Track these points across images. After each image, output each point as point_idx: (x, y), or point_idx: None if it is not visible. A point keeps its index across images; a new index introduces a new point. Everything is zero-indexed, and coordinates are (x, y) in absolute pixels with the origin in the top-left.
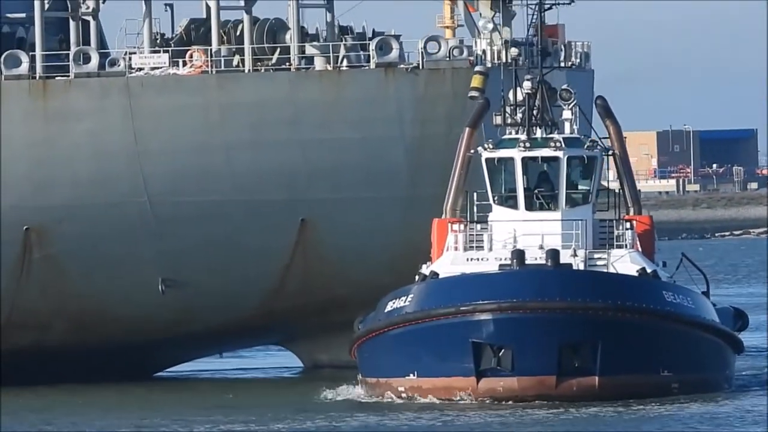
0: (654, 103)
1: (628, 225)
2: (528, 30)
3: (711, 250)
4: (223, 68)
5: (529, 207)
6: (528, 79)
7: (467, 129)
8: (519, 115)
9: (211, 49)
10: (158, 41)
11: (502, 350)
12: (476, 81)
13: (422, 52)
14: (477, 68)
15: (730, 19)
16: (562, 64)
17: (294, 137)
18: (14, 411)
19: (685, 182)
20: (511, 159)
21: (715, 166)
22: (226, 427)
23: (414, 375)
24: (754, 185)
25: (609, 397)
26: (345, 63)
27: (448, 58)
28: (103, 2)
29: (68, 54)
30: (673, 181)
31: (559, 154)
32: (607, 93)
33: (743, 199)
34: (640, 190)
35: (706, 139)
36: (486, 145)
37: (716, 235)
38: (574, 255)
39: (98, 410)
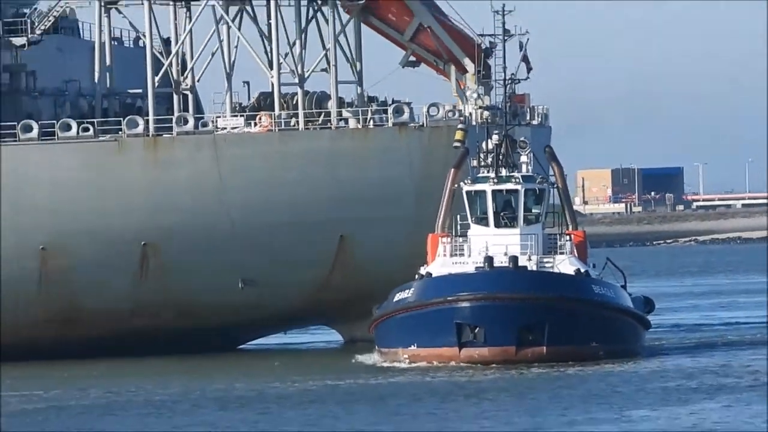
0: (610, 144)
1: (567, 238)
2: (503, 98)
3: (658, 255)
4: (283, 127)
5: (497, 225)
6: (496, 134)
7: (452, 169)
8: (490, 159)
9: (274, 114)
10: (237, 108)
11: (477, 328)
12: (459, 135)
13: (426, 115)
14: (459, 126)
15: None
16: (529, 122)
17: (334, 175)
18: (140, 375)
19: (631, 206)
20: (484, 191)
21: (653, 193)
22: (281, 383)
23: (414, 346)
24: (680, 207)
25: (554, 361)
26: (371, 123)
27: (445, 119)
28: (198, 81)
29: (172, 118)
30: (622, 205)
31: (518, 187)
32: (569, 141)
33: (673, 218)
34: (577, 211)
35: (646, 174)
36: (466, 181)
37: (654, 243)
38: (529, 259)
39: (193, 374)
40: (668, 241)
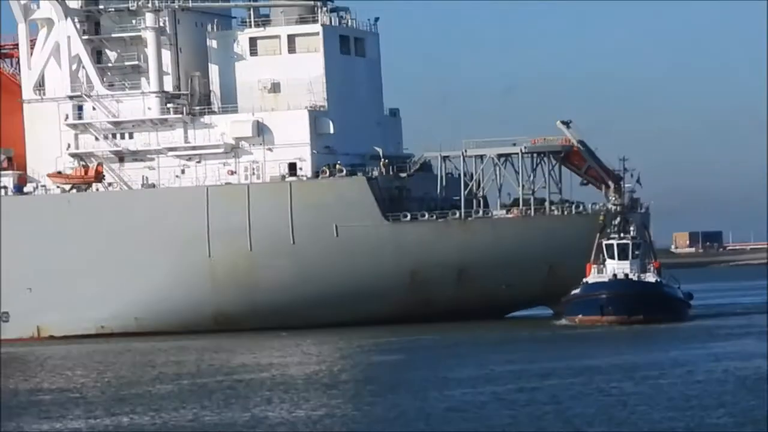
0: (688, 216)
1: (651, 265)
2: (625, 201)
3: (710, 272)
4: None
5: (619, 259)
6: (620, 217)
7: (598, 233)
8: (616, 229)
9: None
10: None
11: (609, 307)
12: (601, 218)
13: (591, 207)
14: (602, 213)
15: None
16: (639, 211)
17: (547, 238)
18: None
19: (698, 249)
20: (613, 243)
21: (708, 243)
22: (533, 331)
23: (581, 315)
24: (721, 249)
25: (643, 323)
26: (567, 212)
27: (599, 210)
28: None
29: None
30: (693, 249)
31: (629, 242)
32: (666, 217)
33: (718, 254)
34: (670, 252)
35: (704, 233)
36: (604, 239)
37: (708, 266)
38: (633, 275)
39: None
40: (714, 265)
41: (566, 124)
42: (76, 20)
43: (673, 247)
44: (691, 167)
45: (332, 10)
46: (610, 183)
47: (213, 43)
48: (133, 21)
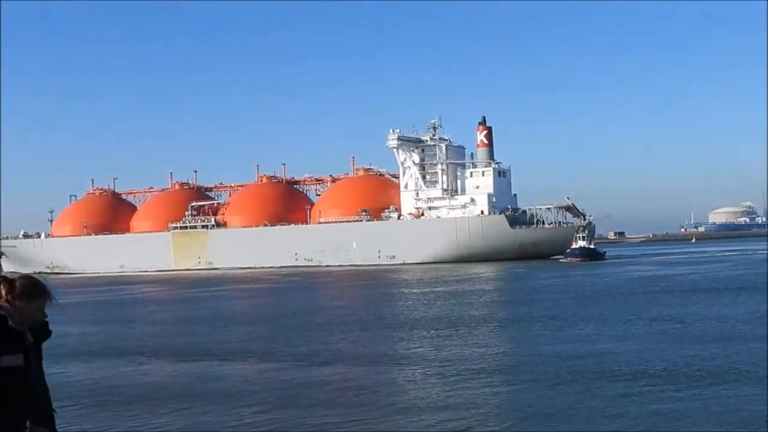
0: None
1: (593, 242)
2: (587, 223)
3: (619, 245)
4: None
5: (582, 240)
6: (584, 227)
7: (576, 232)
8: (582, 230)
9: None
10: None
11: (578, 255)
12: (578, 228)
13: (570, 225)
14: (579, 227)
15: None
16: (592, 226)
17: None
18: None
19: (616, 238)
20: (581, 235)
21: (620, 235)
22: (554, 261)
23: (570, 258)
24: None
25: (590, 261)
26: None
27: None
28: None
29: None
30: (617, 236)
31: (585, 234)
32: (606, 227)
33: (621, 240)
34: (607, 238)
35: (617, 232)
36: (578, 234)
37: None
38: (586, 245)
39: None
40: (622, 243)
41: (569, 198)
42: (417, 167)
43: (608, 237)
44: (615, 203)
45: (497, 163)
46: (581, 217)
47: (458, 173)
48: (434, 167)
